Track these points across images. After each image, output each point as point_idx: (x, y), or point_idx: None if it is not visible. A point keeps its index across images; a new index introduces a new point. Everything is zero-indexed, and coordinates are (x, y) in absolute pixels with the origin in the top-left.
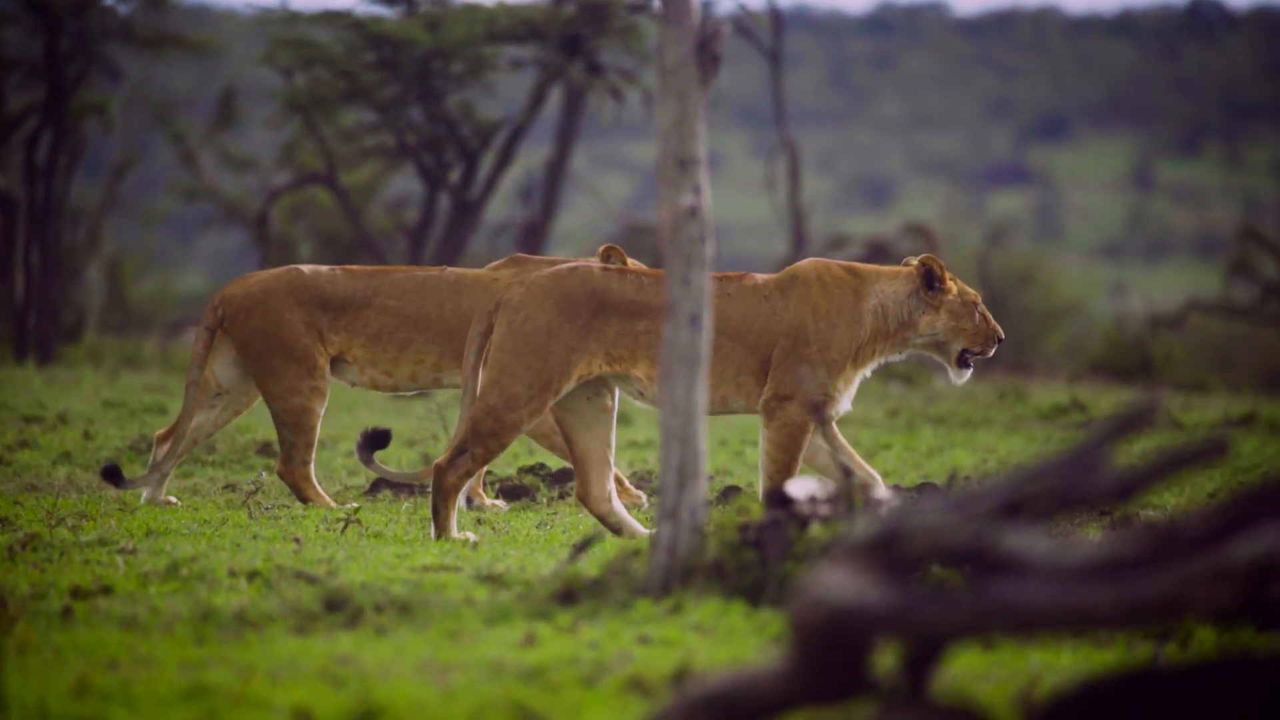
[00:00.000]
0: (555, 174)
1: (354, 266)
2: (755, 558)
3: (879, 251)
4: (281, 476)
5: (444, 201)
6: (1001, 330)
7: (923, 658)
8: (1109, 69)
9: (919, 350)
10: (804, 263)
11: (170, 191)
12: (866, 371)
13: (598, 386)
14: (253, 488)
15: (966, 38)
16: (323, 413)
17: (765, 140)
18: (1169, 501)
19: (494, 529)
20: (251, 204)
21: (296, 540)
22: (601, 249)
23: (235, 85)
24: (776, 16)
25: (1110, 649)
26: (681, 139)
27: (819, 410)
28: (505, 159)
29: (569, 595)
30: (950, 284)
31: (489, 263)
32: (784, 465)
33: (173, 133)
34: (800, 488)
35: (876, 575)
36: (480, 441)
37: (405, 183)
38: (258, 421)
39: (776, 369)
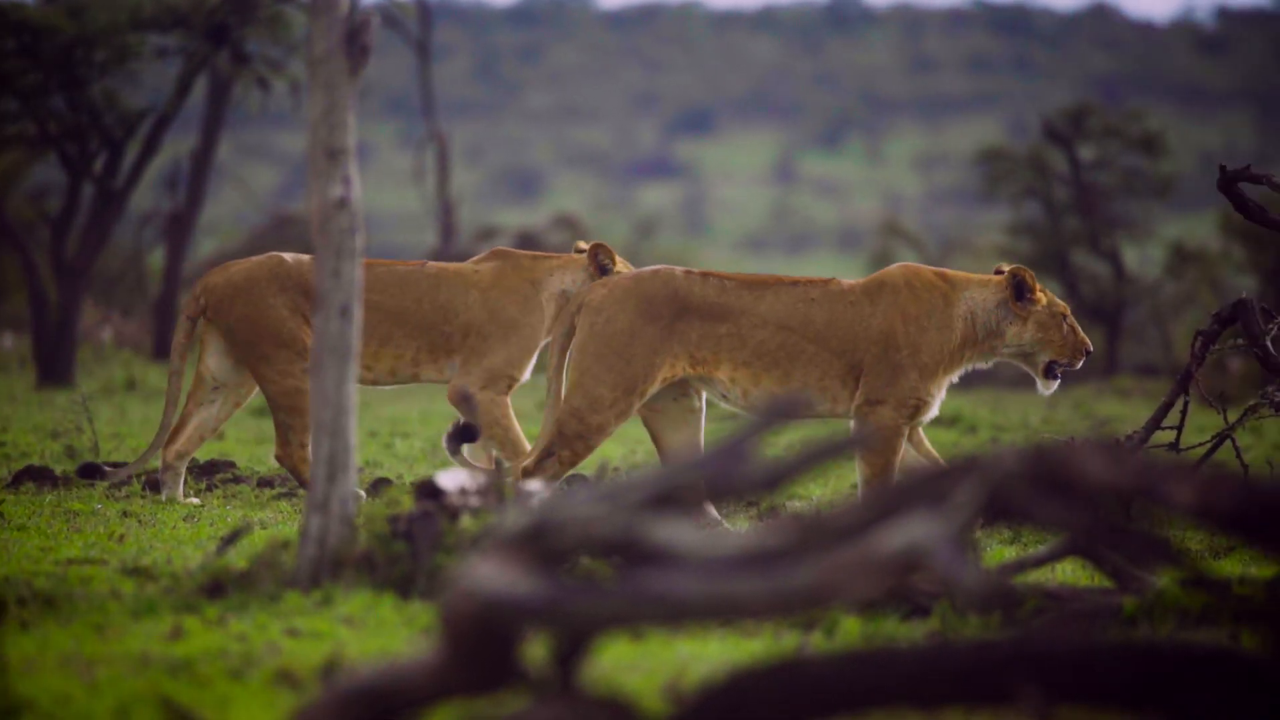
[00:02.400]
0: (201, 164)
1: None
2: (405, 549)
3: (528, 243)
4: (280, 460)
5: (87, 191)
6: (1090, 343)
7: (573, 649)
8: (752, 63)
9: (1006, 359)
10: (893, 268)
11: None
12: (954, 377)
13: (684, 387)
14: None
15: (612, 30)
16: None
17: (414, 131)
18: (815, 492)
19: (140, 521)
20: None
21: None
22: (591, 246)
23: None
24: (424, 8)
25: (758, 638)
26: (330, 129)
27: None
28: (150, 148)
29: (217, 588)
30: (1040, 295)
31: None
32: (880, 468)
33: None
34: (450, 479)
35: (527, 567)
36: (567, 444)
37: (47, 171)
38: None
39: (868, 374)
